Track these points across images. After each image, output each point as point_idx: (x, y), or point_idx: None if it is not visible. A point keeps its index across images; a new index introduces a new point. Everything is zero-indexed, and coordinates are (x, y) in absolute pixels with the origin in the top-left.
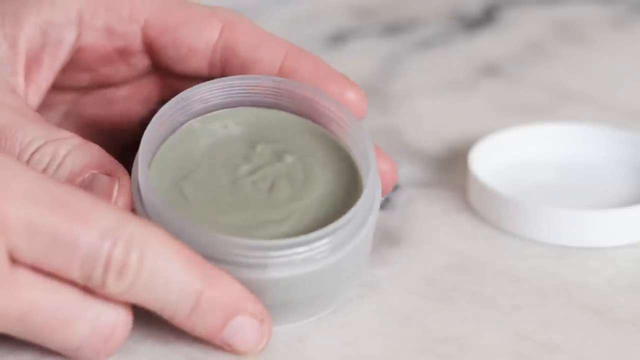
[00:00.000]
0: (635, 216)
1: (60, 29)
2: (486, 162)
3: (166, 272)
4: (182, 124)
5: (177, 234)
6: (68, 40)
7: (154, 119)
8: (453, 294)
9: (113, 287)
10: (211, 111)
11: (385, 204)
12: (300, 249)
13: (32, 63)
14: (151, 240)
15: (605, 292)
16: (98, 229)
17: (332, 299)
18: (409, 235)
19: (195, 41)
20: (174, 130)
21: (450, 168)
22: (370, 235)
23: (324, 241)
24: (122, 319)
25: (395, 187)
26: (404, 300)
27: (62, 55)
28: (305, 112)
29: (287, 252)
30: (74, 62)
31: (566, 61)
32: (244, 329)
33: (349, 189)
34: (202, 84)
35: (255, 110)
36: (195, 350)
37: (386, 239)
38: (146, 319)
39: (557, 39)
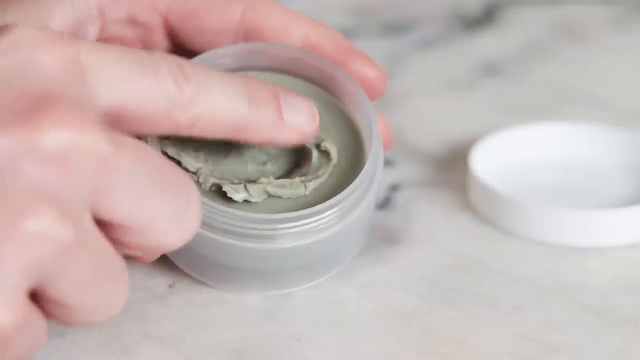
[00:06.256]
0: (636, 216)
1: (84, 25)
2: (486, 162)
3: (214, 76)
4: None
5: None
6: (91, 35)
7: None
8: (453, 294)
9: (188, 89)
10: None
11: (385, 204)
12: (307, 221)
13: None
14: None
15: (606, 292)
16: None
17: (339, 261)
18: (409, 235)
19: (218, 26)
20: None
21: (450, 168)
22: (373, 201)
23: (330, 212)
24: None
25: (395, 187)
26: (404, 300)
27: None
28: (312, 78)
29: (294, 224)
30: None
31: (567, 61)
32: (293, 102)
33: (353, 156)
34: (212, 50)
35: (263, 75)
36: (196, 350)
37: (386, 239)
38: (144, 320)
39: (557, 39)
